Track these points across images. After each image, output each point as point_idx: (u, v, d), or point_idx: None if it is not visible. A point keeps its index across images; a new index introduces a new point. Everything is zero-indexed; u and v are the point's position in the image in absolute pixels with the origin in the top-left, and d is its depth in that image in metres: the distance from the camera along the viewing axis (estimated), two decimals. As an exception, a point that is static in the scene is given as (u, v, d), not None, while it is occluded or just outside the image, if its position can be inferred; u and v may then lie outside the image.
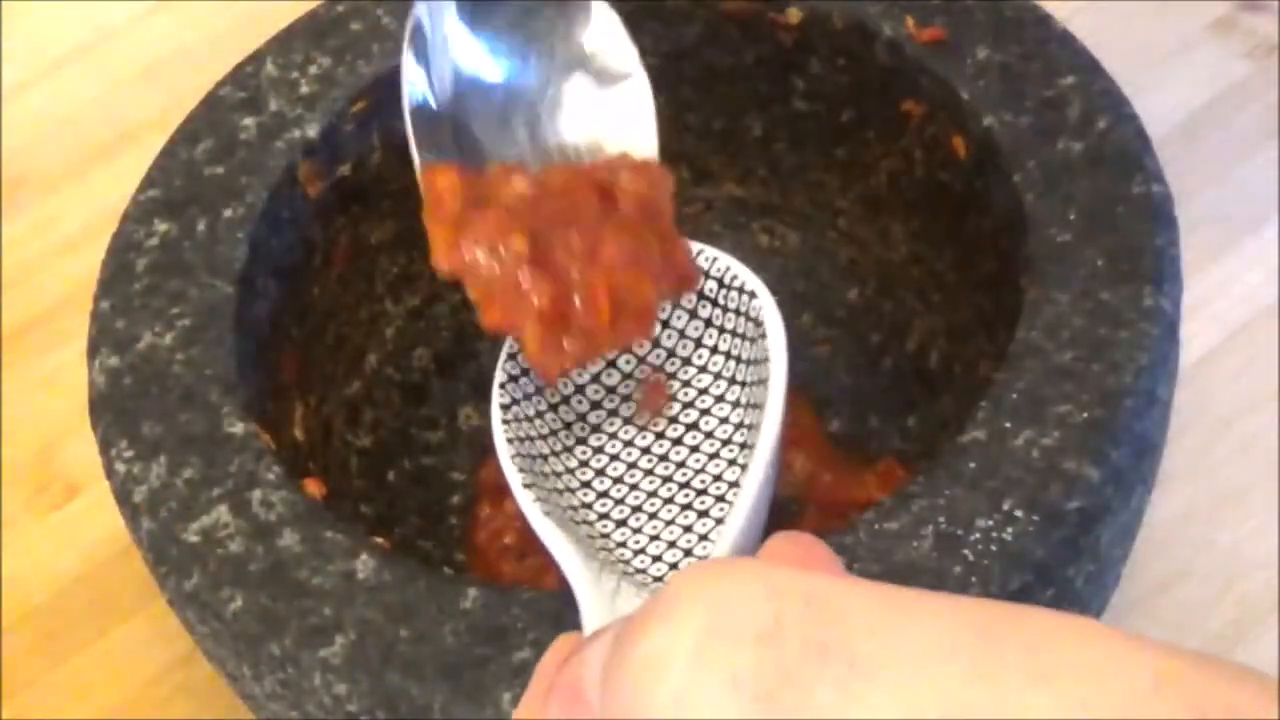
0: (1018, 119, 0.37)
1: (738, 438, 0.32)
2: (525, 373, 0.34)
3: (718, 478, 0.32)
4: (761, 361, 0.32)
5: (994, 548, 0.29)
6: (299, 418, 0.39)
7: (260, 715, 0.34)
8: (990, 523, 0.30)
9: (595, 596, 0.27)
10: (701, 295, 0.34)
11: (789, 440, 0.41)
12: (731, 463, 0.32)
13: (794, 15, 0.41)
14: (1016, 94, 0.37)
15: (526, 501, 0.30)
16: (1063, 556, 0.30)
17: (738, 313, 0.33)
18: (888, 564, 0.29)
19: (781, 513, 0.40)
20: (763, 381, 0.31)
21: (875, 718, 0.17)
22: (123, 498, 0.33)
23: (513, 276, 0.31)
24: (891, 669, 0.17)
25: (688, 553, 0.30)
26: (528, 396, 0.34)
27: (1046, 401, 0.31)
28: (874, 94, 0.41)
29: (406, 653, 0.29)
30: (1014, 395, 0.32)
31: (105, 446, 0.34)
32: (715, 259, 0.34)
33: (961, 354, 0.41)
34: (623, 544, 0.31)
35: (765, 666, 0.18)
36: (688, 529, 0.31)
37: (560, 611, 0.29)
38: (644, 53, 0.43)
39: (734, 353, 0.33)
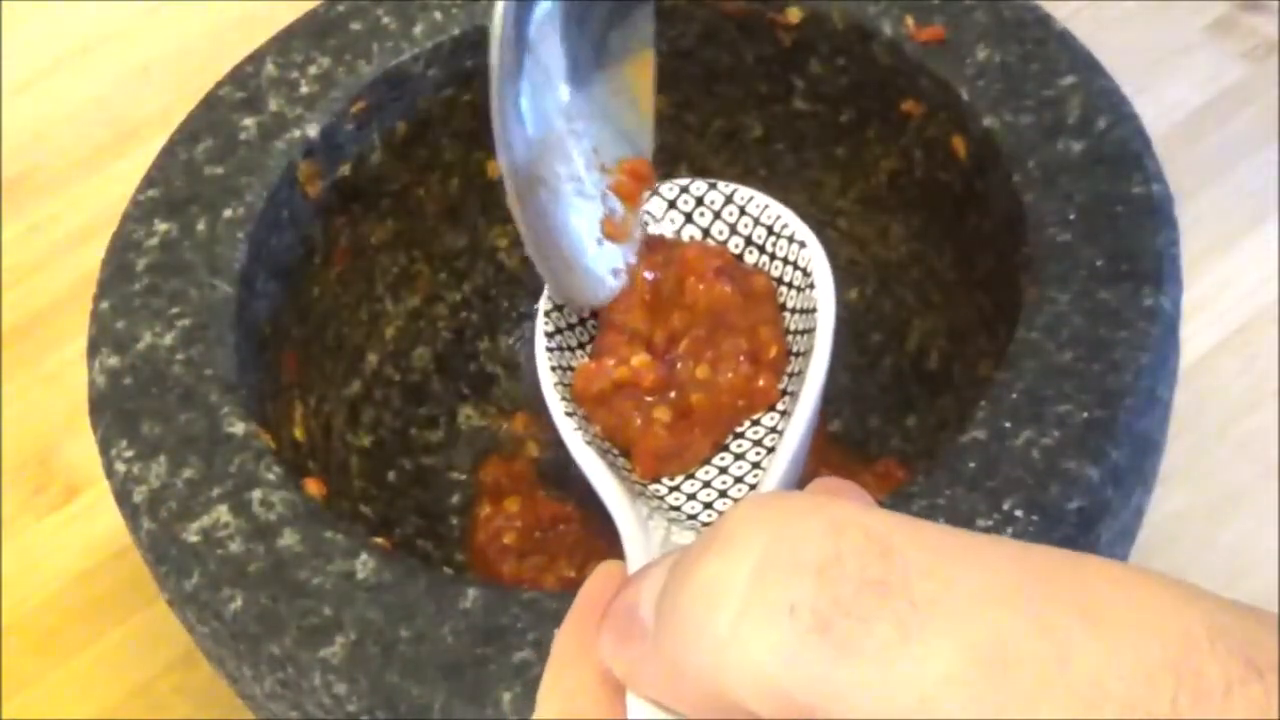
0: (1018, 119, 0.37)
1: (783, 386, 0.32)
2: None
3: (757, 422, 0.32)
4: (809, 311, 0.32)
5: (994, 548, 0.29)
6: (299, 418, 0.39)
7: (260, 715, 0.34)
8: (990, 523, 0.30)
9: (636, 526, 0.27)
10: (750, 242, 0.34)
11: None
12: (770, 408, 0.32)
13: (794, 15, 0.41)
14: (1016, 94, 0.37)
15: (568, 430, 0.30)
16: (1063, 556, 0.30)
17: (786, 261, 0.33)
18: (888, 564, 0.29)
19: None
20: (809, 330, 0.31)
21: (930, 656, 0.17)
22: (123, 498, 0.33)
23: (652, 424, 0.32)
24: (949, 609, 0.17)
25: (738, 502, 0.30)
26: (570, 326, 0.33)
27: (1046, 401, 0.31)
28: (874, 94, 0.41)
29: (406, 653, 0.29)
30: (1014, 395, 0.32)
31: (105, 446, 0.34)
32: (766, 206, 0.34)
33: (961, 354, 0.41)
34: (675, 488, 0.31)
35: (824, 598, 0.18)
36: (739, 479, 0.31)
37: (561, 611, 0.29)
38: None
39: (781, 301, 0.33)
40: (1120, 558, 0.34)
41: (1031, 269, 0.34)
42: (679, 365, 0.32)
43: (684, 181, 0.34)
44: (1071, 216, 0.34)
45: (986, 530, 0.29)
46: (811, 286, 0.32)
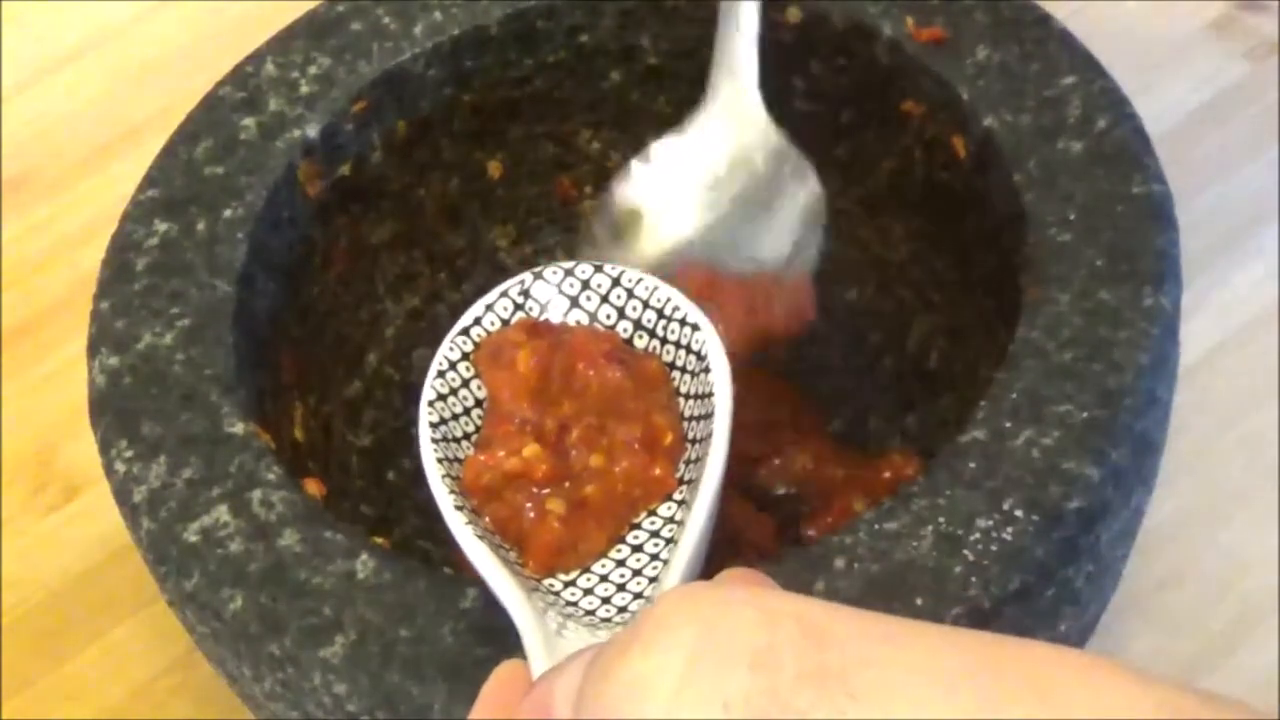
0: (1018, 119, 0.37)
1: (680, 474, 0.31)
2: (454, 391, 0.33)
3: (654, 513, 0.31)
4: (704, 396, 0.31)
5: (994, 548, 0.29)
6: (299, 418, 0.39)
7: (260, 715, 0.34)
8: (990, 523, 0.30)
9: (535, 623, 0.27)
10: (639, 325, 0.33)
11: (791, 440, 0.42)
12: (668, 498, 0.31)
13: (794, 15, 0.41)
14: (1016, 94, 0.37)
15: (457, 524, 0.29)
16: (1063, 556, 0.30)
17: (678, 345, 0.32)
18: (888, 564, 0.29)
19: (785, 512, 0.40)
20: (706, 416, 0.30)
21: None
22: (123, 498, 0.33)
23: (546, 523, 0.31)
24: (891, 698, 0.17)
25: (638, 595, 0.29)
26: (456, 416, 0.32)
27: (1046, 401, 0.31)
28: (874, 94, 0.41)
29: (406, 653, 0.29)
30: (1014, 395, 0.32)
31: (105, 446, 0.34)
32: (655, 288, 0.33)
33: (961, 354, 0.41)
34: (571, 583, 0.30)
35: (759, 691, 0.17)
36: (638, 572, 0.30)
37: (560, 611, 0.29)
38: (644, 53, 0.43)
39: (675, 386, 0.32)
40: (1120, 558, 0.34)
41: (1031, 269, 0.34)
42: (572, 454, 0.31)
43: (568, 265, 0.33)
44: (1071, 216, 0.34)
45: (986, 530, 0.30)
46: (706, 370, 0.31)
